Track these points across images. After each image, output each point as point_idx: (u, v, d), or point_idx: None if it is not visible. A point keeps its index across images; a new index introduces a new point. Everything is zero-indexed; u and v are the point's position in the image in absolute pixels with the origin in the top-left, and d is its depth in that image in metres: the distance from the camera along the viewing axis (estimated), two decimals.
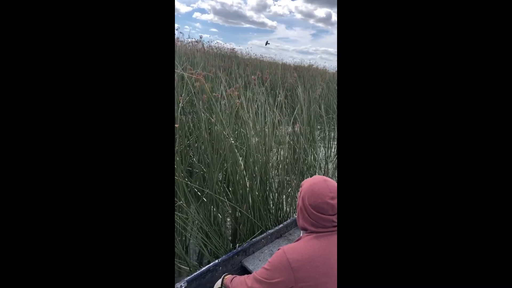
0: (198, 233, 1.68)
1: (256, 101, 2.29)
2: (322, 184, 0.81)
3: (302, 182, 0.86)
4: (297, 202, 0.84)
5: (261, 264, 1.51)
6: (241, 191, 1.87)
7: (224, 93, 2.29)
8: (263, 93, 2.49)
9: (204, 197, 2.00)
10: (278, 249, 0.82)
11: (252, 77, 2.87)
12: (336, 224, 0.82)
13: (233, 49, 7.59)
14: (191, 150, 2.43)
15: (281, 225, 1.75)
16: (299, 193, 0.83)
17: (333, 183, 0.83)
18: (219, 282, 1.07)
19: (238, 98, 2.18)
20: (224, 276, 1.06)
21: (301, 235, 0.91)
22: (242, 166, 1.94)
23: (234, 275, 1.01)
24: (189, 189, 1.86)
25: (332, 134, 4.19)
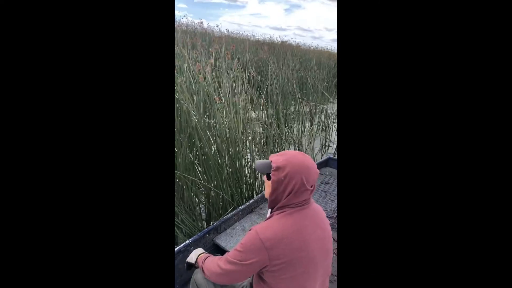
0: None
1: (226, 77, 2.21)
2: (306, 159, 0.80)
3: (276, 157, 0.81)
4: (271, 179, 0.80)
5: (233, 240, 1.52)
6: (211, 170, 1.84)
7: (189, 70, 2.18)
8: (232, 69, 2.40)
9: (176, 178, 1.95)
10: (250, 230, 0.80)
11: (227, 51, 2.76)
12: (309, 198, 0.81)
13: (201, 23, 7.29)
14: None
15: (251, 200, 1.76)
16: (274, 168, 0.79)
17: (310, 158, 0.81)
18: (192, 257, 1.04)
19: (200, 74, 2.09)
20: (199, 254, 1.04)
21: (268, 213, 0.89)
22: (213, 144, 1.90)
23: (208, 255, 0.99)
24: None
25: (307, 109, 4.20)
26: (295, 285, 0.78)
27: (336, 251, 1.15)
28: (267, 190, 0.84)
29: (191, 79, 2.16)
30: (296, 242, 0.75)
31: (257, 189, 2.13)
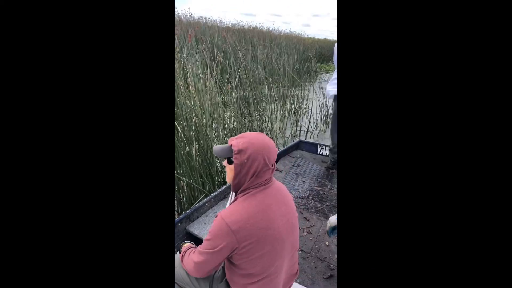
0: None
1: (191, 62, 2.13)
2: (265, 139, 0.79)
3: (236, 141, 0.79)
4: (234, 162, 0.78)
5: (206, 227, 1.50)
6: (180, 159, 1.79)
7: None
8: (198, 53, 2.32)
9: None
10: (216, 217, 0.80)
11: (189, 34, 2.64)
12: (270, 177, 0.81)
13: None
14: None
15: (223, 187, 1.74)
16: (236, 151, 0.77)
17: (268, 137, 0.81)
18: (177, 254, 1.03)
19: None
20: (183, 244, 1.02)
21: (232, 196, 0.89)
22: (180, 132, 1.84)
23: (190, 248, 0.97)
24: None
25: (278, 94, 4.20)
26: (264, 263, 0.78)
27: (336, 250, 1.19)
28: (229, 175, 0.82)
29: None
30: (262, 222, 0.75)
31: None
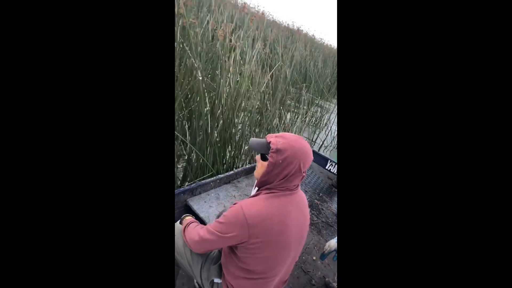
0: None
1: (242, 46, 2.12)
2: (305, 144, 0.78)
3: (276, 139, 0.78)
4: (268, 160, 0.77)
5: (205, 205, 1.52)
6: (201, 132, 1.80)
7: (207, 27, 2.07)
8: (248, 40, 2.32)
9: None
10: (234, 204, 0.79)
11: (251, 17, 2.64)
12: (299, 184, 0.80)
13: None
14: None
15: (231, 172, 1.76)
16: (274, 150, 0.76)
17: (308, 143, 0.80)
18: (177, 224, 1.04)
19: (216, 30, 1.99)
20: (185, 217, 1.02)
21: (254, 190, 0.88)
22: (208, 107, 1.85)
23: (192, 220, 0.97)
24: None
25: (302, 99, 4.19)
26: (266, 265, 0.78)
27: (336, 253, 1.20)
28: (259, 170, 0.82)
29: (206, 35, 2.06)
30: (278, 225, 0.75)
31: (238, 163, 2.12)
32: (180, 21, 2.01)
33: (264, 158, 0.81)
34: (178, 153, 1.96)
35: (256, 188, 0.86)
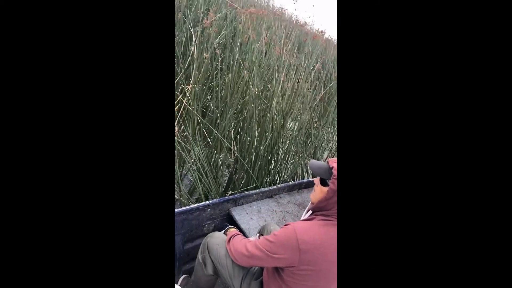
0: (196, 168, 1.69)
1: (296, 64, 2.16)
2: None
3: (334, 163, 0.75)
4: (329, 186, 0.74)
5: (246, 217, 1.54)
6: (248, 144, 1.85)
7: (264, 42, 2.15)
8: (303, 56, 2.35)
9: (211, 140, 1.98)
10: (286, 225, 0.76)
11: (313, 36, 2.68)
12: None
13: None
14: (210, 92, 2.35)
15: (274, 187, 1.76)
16: (336, 176, 0.73)
17: None
18: (222, 233, 1.08)
19: (271, 46, 2.05)
20: (229, 228, 1.05)
21: (307, 213, 0.86)
22: (257, 121, 1.89)
23: (237, 232, 0.99)
24: (198, 127, 1.84)
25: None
26: None
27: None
28: (317, 195, 0.79)
29: (262, 50, 2.14)
30: (330, 256, 0.71)
31: (282, 177, 2.12)
32: (239, 39, 2.12)
33: (324, 183, 0.78)
34: (226, 161, 2.04)
35: (310, 212, 0.84)
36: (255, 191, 1.66)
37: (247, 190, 1.69)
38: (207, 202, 1.40)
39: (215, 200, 1.45)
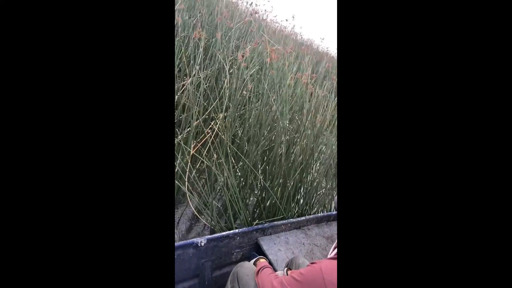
0: (228, 192, 1.71)
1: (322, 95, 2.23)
2: None
3: None
4: None
5: (274, 247, 1.53)
6: (276, 174, 1.88)
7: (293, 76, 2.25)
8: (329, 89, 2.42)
9: (238, 169, 2.02)
10: (314, 263, 0.77)
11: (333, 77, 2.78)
12: None
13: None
14: (239, 121, 2.43)
15: (303, 218, 1.75)
16: None
17: None
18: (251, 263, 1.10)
19: (312, 84, 2.13)
20: (259, 259, 1.06)
21: (333, 251, 0.84)
22: (284, 151, 1.94)
23: (267, 265, 1.00)
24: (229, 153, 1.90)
25: None
26: None
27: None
28: None
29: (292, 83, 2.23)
30: None
31: (310, 209, 2.11)
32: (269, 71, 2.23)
33: None
34: (254, 190, 2.06)
35: (337, 250, 0.84)
36: (283, 221, 1.66)
37: (274, 220, 1.70)
38: (236, 230, 1.42)
39: (244, 228, 1.47)
